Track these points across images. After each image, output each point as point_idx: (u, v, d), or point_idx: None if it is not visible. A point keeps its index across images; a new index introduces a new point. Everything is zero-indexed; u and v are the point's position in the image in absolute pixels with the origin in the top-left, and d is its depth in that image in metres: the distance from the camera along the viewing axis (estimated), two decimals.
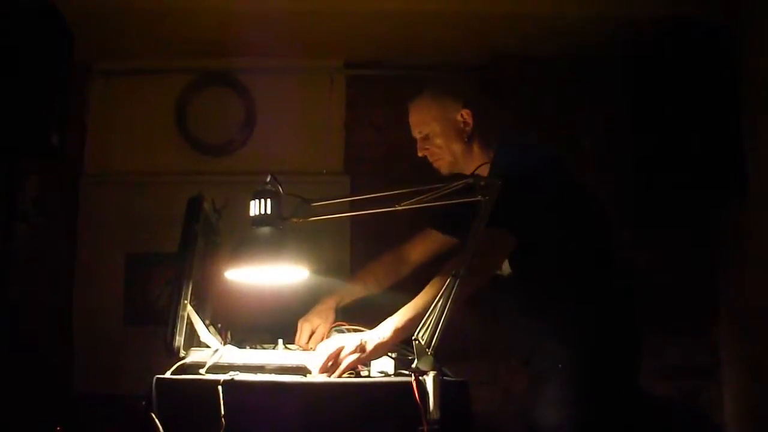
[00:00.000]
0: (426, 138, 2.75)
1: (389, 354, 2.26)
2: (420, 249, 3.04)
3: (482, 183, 2.12)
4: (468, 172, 2.70)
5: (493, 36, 3.93)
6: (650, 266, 3.96)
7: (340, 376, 2.15)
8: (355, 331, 2.53)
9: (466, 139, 2.71)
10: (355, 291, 2.97)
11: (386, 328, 2.24)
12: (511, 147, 2.69)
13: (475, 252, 2.17)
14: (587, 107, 4.09)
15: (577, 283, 2.54)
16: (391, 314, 2.28)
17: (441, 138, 2.71)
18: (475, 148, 2.72)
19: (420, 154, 2.79)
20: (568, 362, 2.48)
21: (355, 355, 2.17)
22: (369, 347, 2.20)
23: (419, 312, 2.21)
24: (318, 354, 2.22)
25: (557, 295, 2.55)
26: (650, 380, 3.78)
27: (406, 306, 2.28)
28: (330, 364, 2.17)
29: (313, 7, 3.63)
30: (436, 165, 2.79)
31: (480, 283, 2.37)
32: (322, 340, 2.64)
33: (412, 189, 2.17)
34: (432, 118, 2.72)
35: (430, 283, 2.31)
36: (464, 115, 2.70)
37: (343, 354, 2.17)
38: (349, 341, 2.21)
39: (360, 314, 2.64)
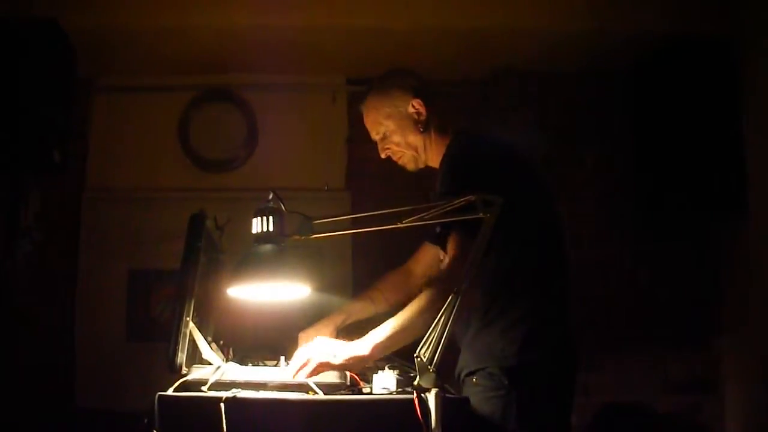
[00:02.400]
0: (384, 138, 2.68)
1: (391, 368, 2.25)
2: (422, 262, 3.00)
3: (484, 200, 2.11)
4: (433, 162, 2.67)
5: (495, 51, 3.95)
6: (652, 281, 3.97)
7: (309, 376, 2.13)
8: None
9: (422, 129, 2.63)
10: (362, 309, 2.89)
11: (366, 344, 2.19)
12: (467, 135, 2.60)
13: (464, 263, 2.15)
14: (588, 122, 4.10)
15: (503, 289, 2.38)
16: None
17: (397, 134, 2.65)
18: (434, 137, 2.64)
19: (383, 156, 2.73)
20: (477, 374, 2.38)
21: (326, 359, 2.15)
22: (343, 357, 2.17)
23: (401, 329, 2.19)
24: (295, 357, 2.22)
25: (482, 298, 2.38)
26: (652, 395, 3.79)
27: (389, 320, 2.23)
28: (302, 366, 2.16)
29: (315, 24, 3.65)
30: (400, 163, 2.73)
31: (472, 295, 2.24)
32: None
33: (414, 206, 2.17)
34: (384, 116, 2.65)
35: (417, 297, 2.26)
36: (416, 105, 2.62)
37: (314, 355, 2.16)
38: (325, 345, 2.22)
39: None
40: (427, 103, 2.64)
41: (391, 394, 2.16)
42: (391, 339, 2.20)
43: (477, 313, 2.40)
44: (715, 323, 3.94)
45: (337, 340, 2.39)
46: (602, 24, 3.68)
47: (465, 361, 2.45)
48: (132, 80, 4.14)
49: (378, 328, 2.23)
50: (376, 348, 2.19)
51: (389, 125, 2.65)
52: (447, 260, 2.35)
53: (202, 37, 3.76)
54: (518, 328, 2.36)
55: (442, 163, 2.56)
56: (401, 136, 2.65)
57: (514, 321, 2.37)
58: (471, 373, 2.40)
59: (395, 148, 2.68)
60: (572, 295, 2.48)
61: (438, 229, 2.44)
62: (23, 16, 3.34)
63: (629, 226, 4.00)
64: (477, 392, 2.34)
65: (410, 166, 2.72)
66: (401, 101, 2.64)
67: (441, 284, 2.25)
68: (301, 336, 2.79)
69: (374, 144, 2.79)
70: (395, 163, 2.77)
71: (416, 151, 2.66)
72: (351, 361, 2.18)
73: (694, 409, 3.88)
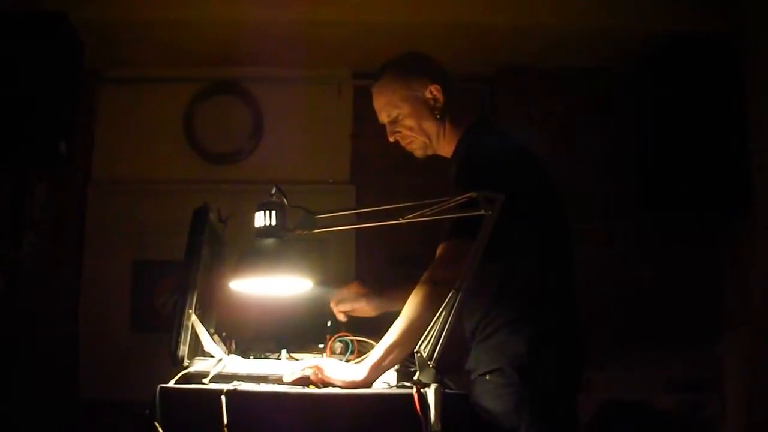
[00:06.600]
0: (395, 121, 2.57)
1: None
2: None
3: (486, 197, 2.11)
4: (443, 151, 2.60)
5: (501, 48, 3.95)
6: (655, 280, 3.96)
7: (291, 383, 2.13)
8: (359, 342, 2.52)
9: (438, 116, 2.54)
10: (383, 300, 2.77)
11: (362, 368, 2.16)
12: (480, 130, 2.54)
13: (444, 262, 2.19)
14: (592, 121, 4.10)
15: (507, 288, 2.34)
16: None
17: (412, 118, 2.54)
18: (448, 126, 2.55)
19: (391, 139, 2.61)
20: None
21: (310, 372, 2.14)
22: (329, 376, 2.14)
23: (397, 346, 2.15)
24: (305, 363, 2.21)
25: (483, 297, 2.33)
26: (653, 393, 3.79)
27: (385, 339, 2.18)
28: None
29: (321, 18, 3.66)
30: (409, 149, 2.62)
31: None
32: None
33: (417, 202, 2.16)
34: (400, 98, 2.54)
35: (406, 305, 2.20)
36: (433, 91, 2.53)
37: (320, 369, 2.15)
38: (330, 364, 2.18)
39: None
40: (444, 91, 2.55)
41: (390, 388, 2.18)
42: (386, 359, 2.16)
43: (485, 314, 2.36)
44: (717, 322, 3.94)
45: (358, 343, 2.42)
46: (608, 21, 3.68)
47: (477, 361, 2.39)
48: (138, 72, 4.16)
49: (375, 349, 2.19)
50: (372, 370, 2.15)
51: (404, 109, 2.55)
52: (439, 261, 2.27)
53: (209, 30, 3.77)
54: (527, 329, 2.31)
55: (456, 161, 2.49)
56: (415, 121, 2.55)
57: (523, 322, 2.32)
58: (484, 374, 2.35)
59: (407, 132, 2.58)
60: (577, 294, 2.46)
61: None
62: (29, 9, 3.35)
63: (632, 225, 4.00)
64: (490, 389, 2.31)
65: (418, 153, 2.63)
66: (419, 85, 2.54)
67: (433, 287, 2.19)
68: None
69: (379, 138, 2.74)
70: (400, 156, 2.70)
71: (428, 138, 2.57)
72: (348, 386, 2.12)
73: (696, 408, 3.87)
